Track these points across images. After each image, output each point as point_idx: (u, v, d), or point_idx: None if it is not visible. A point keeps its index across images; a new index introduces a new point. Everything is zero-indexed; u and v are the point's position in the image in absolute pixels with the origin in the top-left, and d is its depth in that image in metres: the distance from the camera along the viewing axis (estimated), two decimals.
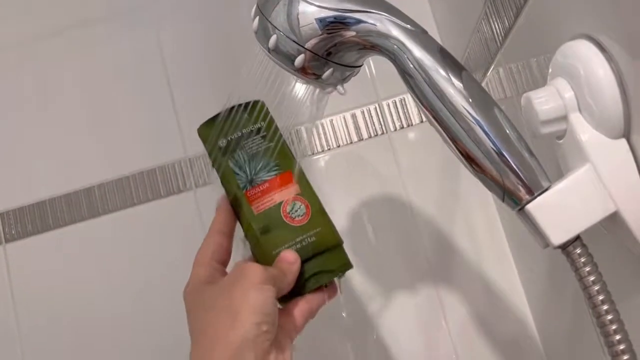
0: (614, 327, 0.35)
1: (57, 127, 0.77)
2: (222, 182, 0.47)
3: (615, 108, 0.35)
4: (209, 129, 0.48)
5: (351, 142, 0.74)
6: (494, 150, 0.37)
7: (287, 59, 0.42)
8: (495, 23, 0.55)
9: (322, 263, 0.45)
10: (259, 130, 0.48)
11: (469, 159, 0.38)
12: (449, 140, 0.39)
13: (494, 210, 0.71)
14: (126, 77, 0.78)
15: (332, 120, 0.75)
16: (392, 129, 0.74)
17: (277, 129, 0.48)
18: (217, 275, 0.45)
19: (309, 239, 0.45)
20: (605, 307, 0.35)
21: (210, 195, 0.76)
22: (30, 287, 0.73)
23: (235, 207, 0.47)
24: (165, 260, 0.73)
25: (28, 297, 0.73)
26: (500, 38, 0.55)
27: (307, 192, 0.47)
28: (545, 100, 0.37)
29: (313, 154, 0.74)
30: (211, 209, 0.74)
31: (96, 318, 0.73)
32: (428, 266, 0.71)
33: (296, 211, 0.46)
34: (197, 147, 0.76)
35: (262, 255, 0.45)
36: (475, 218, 0.71)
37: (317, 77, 0.42)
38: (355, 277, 0.71)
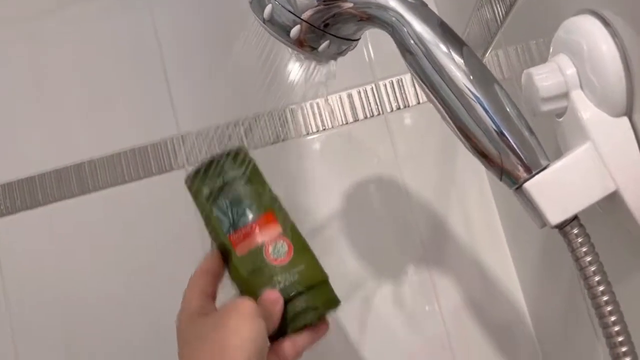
0: (609, 308, 0.35)
1: (48, 102, 0.76)
2: (207, 228, 0.48)
3: (618, 85, 0.34)
4: (195, 179, 0.49)
5: (347, 123, 0.73)
6: (493, 128, 0.36)
7: (282, 30, 0.40)
8: (496, 1, 0.53)
9: (306, 301, 0.45)
10: (240, 175, 0.48)
11: (467, 136, 0.38)
12: (447, 117, 0.38)
13: (490, 194, 0.71)
14: (119, 53, 0.76)
15: (327, 100, 0.73)
16: (388, 109, 0.73)
17: (257, 171, 0.49)
18: (209, 307, 0.45)
19: (292, 277, 0.45)
20: (601, 288, 0.35)
21: None
22: (19, 263, 0.72)
23: (222, 251, 0.48)
24: (156, 237, 0.72)
25: (17, 273, 0.72)
26: (501, 17, 0.53)
27: (289, 230, 0.48)
28: (547, 77, 0.36)
29: (308, 133, 0.73)
30: None
31: (86, 295, 0.72)
32: (422, 249, 0.70)
33: (278, 250, 0.47)
34: (190, 124, 0.76)
35: (249, 297, 0.46)
36: (471, 201, 0.71)
37: (313, 49, 0.41)
38: (348, 260, 0.71)
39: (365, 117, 0.73)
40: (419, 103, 0.73)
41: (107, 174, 0.74)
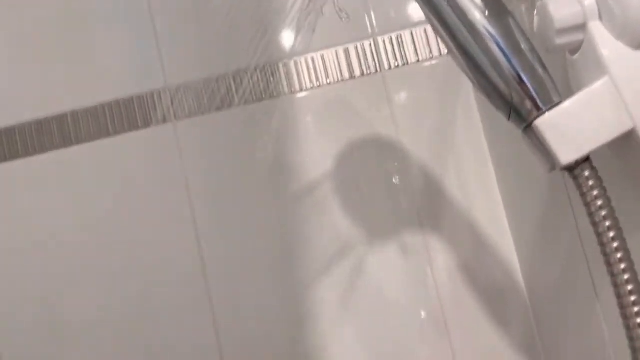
0: (619, 255, 0.33)
1: (29, 49, 0.72)
2: None
3: None
4: None
5: (342, 80, 0.70)
6: (505, 63, 0.34)
7: None
8: None
9: None
10: None
11: (477, 72, 0.35)
12: (455, 51, 0.36)
13: (487, 157, 0.68)
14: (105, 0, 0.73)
15: (322, 55, 0.70)
16: (386, 67, 0.70)
17: None
18: None
19: None
20: (611, 234, 0.33)
21: (191, 130, 0.72)
22: None
23: None
24: (141, 192, 0.69)
25: None
26: None
27: None
28: (562, 7, 0.34)
29: (301, 90, 0.70)
30: (191, 143, 0.71)
31: (67, 252, 0.69)
32: (416, 212, 0.68)
33: None
34: (179, 77, 0.73)
35: None
36: (468, 164, 0.68)
37: None
38: (340, 222, 0.68)
39: (362, 75, 0.70)
40: (418, 61, 0.70)
41: (90, 126, 0.71)
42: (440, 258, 0.67)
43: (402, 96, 0.70)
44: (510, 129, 0.61)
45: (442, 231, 0.68)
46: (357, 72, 0.70)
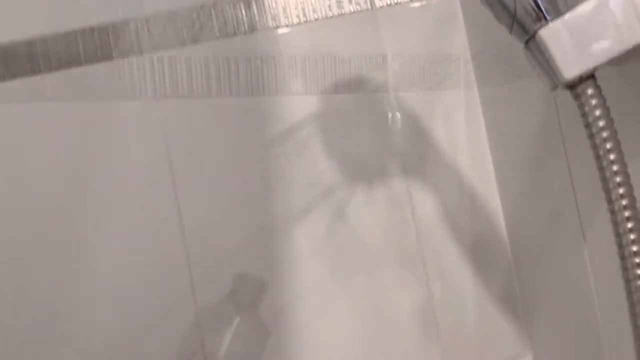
0: (618, 179, 0.31)
1: None
2: None
3: None
4: None
5: (331, 16, 0.67)
6: None
7: None
8: None
9: None
10: None
11: None
12: None
13: (477, 101, 0.66)
14: None
15: None
16: (378, 4, 0.67)
17: None
18: None
19: None
20: (611, 156, 0.31)
21: (167, 62, 0.68)
22: None
23: None
24: (112, 126, 0.66)
25: None
26: None
27: None
28: None
29: (287, 25, 0.67)
30: (167, 75, 0.68)
31: (32, 190, 0.66)
32: (400, 158, 0.66)
33: None
34: (157, 5, 0.68)
35: None
36: (457, 108, 0.66)
37: None
38: (322, 165, 0.66)
39: (352, 11, 0.67)
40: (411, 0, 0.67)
41: (60, 53, 0.67)
42: (421, 204, 0.65)
43: (393, 36, 0.67)
44: (503, 71, 0.59)
45: (425, 177, 0.66)
46: (347, 8, 0.67)
